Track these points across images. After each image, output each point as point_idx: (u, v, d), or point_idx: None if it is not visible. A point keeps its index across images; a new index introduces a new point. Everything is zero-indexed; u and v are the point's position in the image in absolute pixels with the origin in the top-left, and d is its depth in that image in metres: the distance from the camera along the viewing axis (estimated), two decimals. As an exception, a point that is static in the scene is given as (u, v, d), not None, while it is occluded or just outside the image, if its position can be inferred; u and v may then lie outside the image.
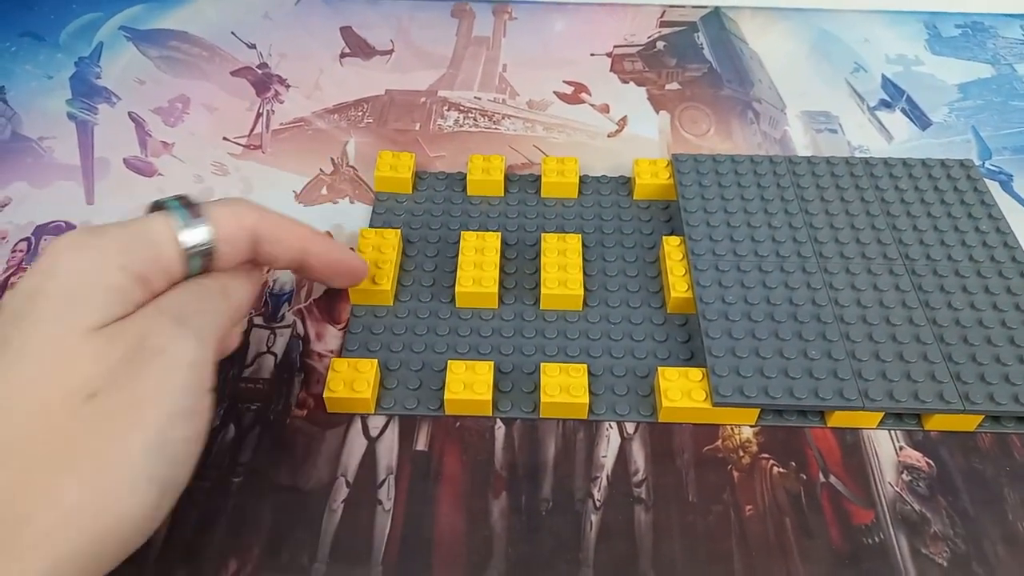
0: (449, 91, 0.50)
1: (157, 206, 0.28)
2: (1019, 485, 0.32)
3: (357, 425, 0.34)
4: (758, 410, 0.33)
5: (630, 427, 0.34)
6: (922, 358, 0.33)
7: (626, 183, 0.43)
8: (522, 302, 0.38)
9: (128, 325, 0.25)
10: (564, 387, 0.33)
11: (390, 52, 0.53)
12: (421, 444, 0.33)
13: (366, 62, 0.52)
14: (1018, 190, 0.45)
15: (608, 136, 0.48)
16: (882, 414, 0.33)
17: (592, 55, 0.53)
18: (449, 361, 0.34)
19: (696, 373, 0.33)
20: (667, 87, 0.51)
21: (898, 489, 0.32)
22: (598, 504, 0.31)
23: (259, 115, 0.48)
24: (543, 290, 0.36)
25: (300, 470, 0.32)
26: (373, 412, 0.34)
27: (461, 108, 0.49)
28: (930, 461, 0.33)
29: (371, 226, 0.41)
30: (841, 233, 0.38)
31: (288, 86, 0.50)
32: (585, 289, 0.38)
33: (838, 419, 0.33)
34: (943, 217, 0.39)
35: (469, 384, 0.33)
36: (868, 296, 0.36)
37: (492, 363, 0.34)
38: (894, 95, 0.51)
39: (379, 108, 0.49)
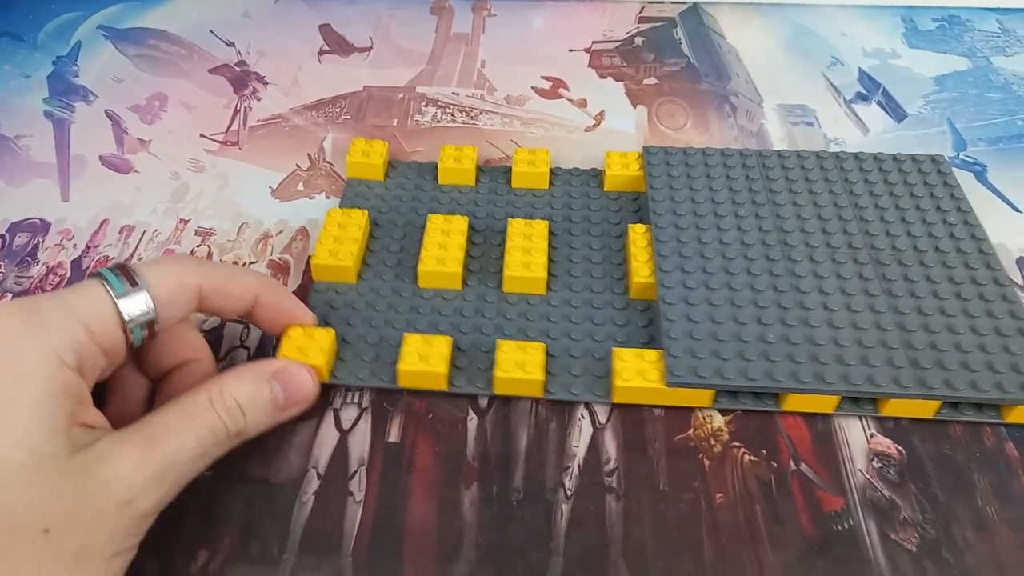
0: (427, 87, 0.50)
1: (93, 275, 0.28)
2: (989, 471, 0.32)
3: (329, 418, 0.34)
4: (712, 392, 0.33)
5: (602, 417, 0.34)
6: (881, 344, 0.33)
7: (597, 175, 0.43)
8: (485, 284, 0.38)
9: (106, 465, 0.25)
10: (519, 364, 0.33)
11: (369, 49, 0.53)
12: (393, 436, 0.33)
13: (345, 59, 0.53)
14: (992, 181, 0.45)
15: (585, 130, 0.48)
16: (838, 398, 0.33)
17: (570, 51, 0.54)
18: (406, 334, 0.34)
19: (652, 354, 0.33)
20: (645, 82, 0.51)
21: (868, 476, 0.32)
22: (569, 494, 0.31)
23: (236, 112, 0.48)
24: (506, 272, 0.37)
25: (271, 463, 0.32)
26: (326, 380, 0.34)
27: (439, 104, 0.49)
28: (900, 448, 0.33)
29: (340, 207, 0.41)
30: (807, 223, 0.38)
31: (266, 83, 0.50)
32: (549, 274, 0.38)
33: (794, 402, 0.33)
34: (911, 209, 0.39)
35: (424, 356, 0.33)
36: (830, 283, 0.36)
37: (450, 338, 0.34)
38: (870, 88, 0.51)
39: (357, 104, 0.49)
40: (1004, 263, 0.40)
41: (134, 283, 0.27)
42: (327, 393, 0.34)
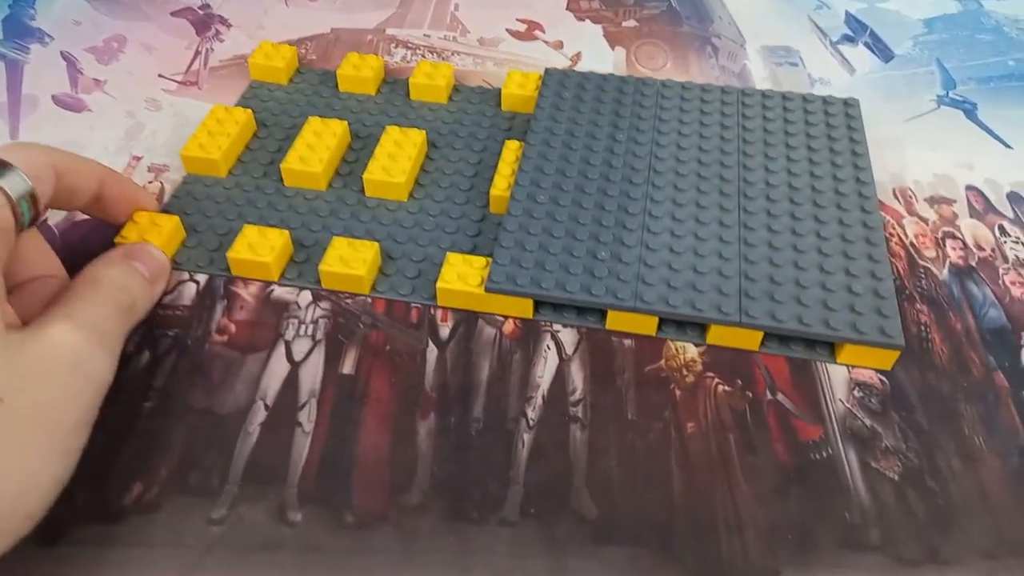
0: (398, 29, 0.49)
1: None
2: (977, 401, 0.31)
3: (280, 350, 0.32)
4: (532, 303, 0.32)
5: (569, 348, 0.32)
6: (716, 272, 0.32)
7: (498, 95, 0.42)
8: (350, 188, 0.37)
9: (43, 335, 0.25)
10: (345, 259, 0.32)
11: (338, -7, 0.51)
12: (348, 368, 0.31)
13: (312, 3, 0.51)
14: (983, 119, 0.43)
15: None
16: (657, 319, 0.31)
17: (548, -5, 0.52)
18: (245, 225, 0.34)
19: (480, 261, 0.33)
20: (624, 24, 0.49)
21: (849, 405, 0.30)
22: (531, 424, 0.30)
23: (198, 53, 0.46)
24: (366, 175, 0.36)
25: (216, 394, 0.30)
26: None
27: (409, 45, 0.47)
28: (883, 378, 0.31)
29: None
30: (684, 153, 0.37)
31: (230, 26, 0.48)
32: (417, 183, 0.37)
33: (616, 321, 0.32)
34: (800, 148, 0.37)
35: (254, 246, 0.33)
36: (684, 212, 0.34)
37: (287, 231, 0.34)
38: (857, 30, 0.49)
39: (323, 46, 0.47)
40: (993, 197, 0.39)
41: (3, 164, 0.27)
42: (279, 324, 0.32)
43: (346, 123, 0.39)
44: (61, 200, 0.31)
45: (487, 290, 0.32)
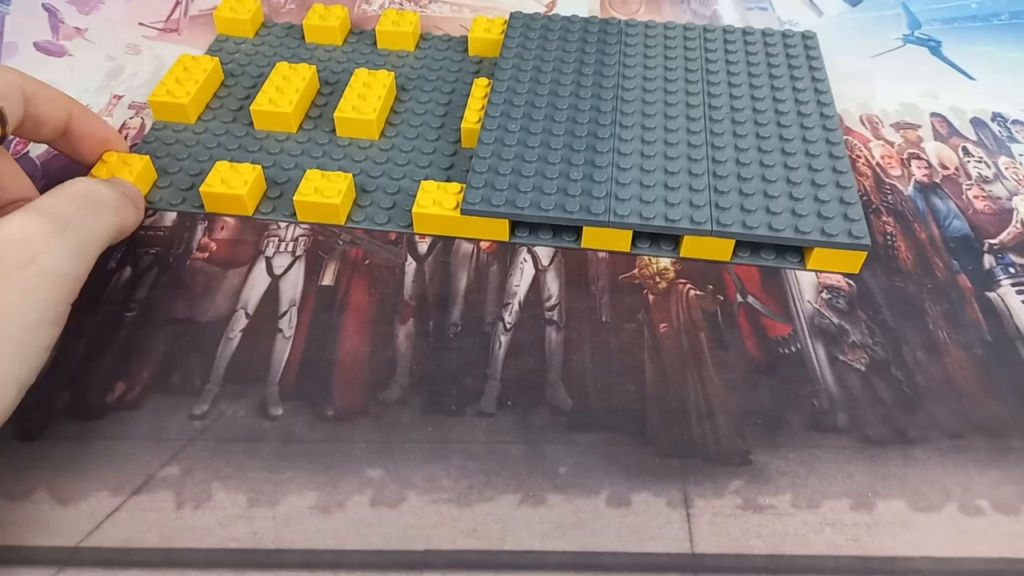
0: (376, -19, 0.49)
1: None
2: (941, 299, 0.31)
3: (260, 264, 0.32)
4: (508, 224, 0.33)
5: (544, 259, 0.33)
6: (687, 187, 0.33)
7: (466, 42, 0.43)
8: (321, 129, 0.37)
9: (3, 225, 0.24)
10: (319, 189, 0.33)
11: (317, -51, 0.52)
12: (327, 280, 0.32)
13: (292, -42, 0.51)
14: (947, 54, 0.44)
15: (537, 17, 0.47)
16: (631, 233, 0.32)
17: (523, -50, 0.53)
18: (216, 162, 0.34)
19: (455, 187, 0.33)
20: (598, -25, 0.50)
21: (817, 306, 0.31)
22: (508, 326, 0.30)
23: (178, 3, 0.47)
24: (337, 113, 0.36)
25: (198, 304, 0.31)
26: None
27: (387, -5, 0.48)
28: (850, 282, 0.32)
29: None
30: (650, 84, 0.38)
31: (210, -22, 0.49)
32: (388, 123, 0.38)
33: (592, 238, 0.32)
34: (762, 76, 0.38)
35: (227, 180, 0.33)
36: (653, 134, 0.35)
37: (259, 166, 0.34)
38: (826, -23, 0.50)
39: (302, -4, 0.48)
40: (957, 123, 0.40)
41: None
42: (259, 241, 0.33)
43: (314, 68, 0.39)
44: (28, 128, 0.30)
45: (463, 212, 0.32)
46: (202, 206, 0.34)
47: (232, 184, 0.33)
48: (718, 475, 0.26)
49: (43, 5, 0.46)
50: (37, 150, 0.37)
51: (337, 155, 0.36)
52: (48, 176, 0.36)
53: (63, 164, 0.36)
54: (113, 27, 0.45)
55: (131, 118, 0.39)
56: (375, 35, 0.43)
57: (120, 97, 0.40)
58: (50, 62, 0.42)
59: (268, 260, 0.32)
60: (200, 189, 0.33)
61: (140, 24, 0.45)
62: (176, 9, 0.46)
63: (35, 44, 0.44)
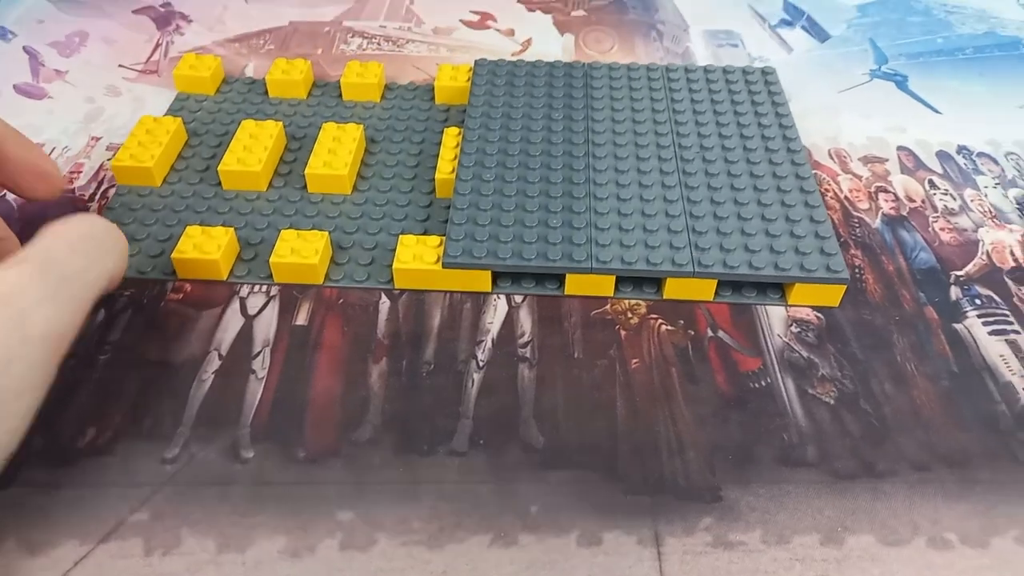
0: (355, 21, 0.50)
1: None
2: (909, 331, 0.32)
3: (235, 305, 0.32)
4: (490, 275, 0.32)
5: (518, 296, 0.33)
6: (666, 228, 0.33)
7: (432, 90, 0.43)
8: (292, 186, 0.37)
9: None
10: (296, 250, 0.32)
11: (297, -10, 0.53)
12: (302, 319, 0.32)
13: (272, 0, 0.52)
14: (914, 89, 0.45)
15: (512, 55, 0.48)
16: (613, 279, 0.32)
17: (500, -11, 0.54)
18: (187, 226, 0.33)
19: (434, 240, 0.33)
20: (572, 14, 0.51)
21: (787, 340, 0.31)
22: (481, 364, 0.30)
23: (158, 45, 0.47)
24: (308, 170, 0.36)
25: (171, 346, 0.31)
26: None
27: (366, 35, 0.49)
28: (819, 315, 0.32)
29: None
30: (619, 126, 0.38)
31: (190, 20, 0.50)
32: (360, 176, 0.38)
33: (575, 285, 0.32)
34: (727, 113, 0.39)
35: (200, 245, 0.32)
36: (627, 177, 0.35)
37: (231, 228, 0.33)
38: (794, 15, 0.52)
39: (282, 37, 0.49)
40: (923, 156, 0.41)
41: None
42: (234, 283, 0.33)
43: (281, 124, 0.38)
44: None
45: (445, 266, 0.32)
46: (174, 272, 0.33)
47: (205, 249, 0.32)
48: (688, 512, 0.26)
49: (24, 48, 0.47)
50: (14, 193, 0.37)
51: (310, 212, 0.36)
52: (25, 219, 0.36)
53: (42, 207, 0.36)
54: (93, 69, 0.46)
55: (109, 159, 0.39)
56: (340, 87, 0.43)
57: (98, 139, 0.40)
58: (30, 105, 0.43)
59: (242, 300, 0.33)
60: (172, 256, 0.32)
61: (120, 66, 0.46)
62: (156, 51, 0.47)
63: (15, 87, 0.44)
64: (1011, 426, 0.29)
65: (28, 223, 0.36)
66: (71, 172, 0.38)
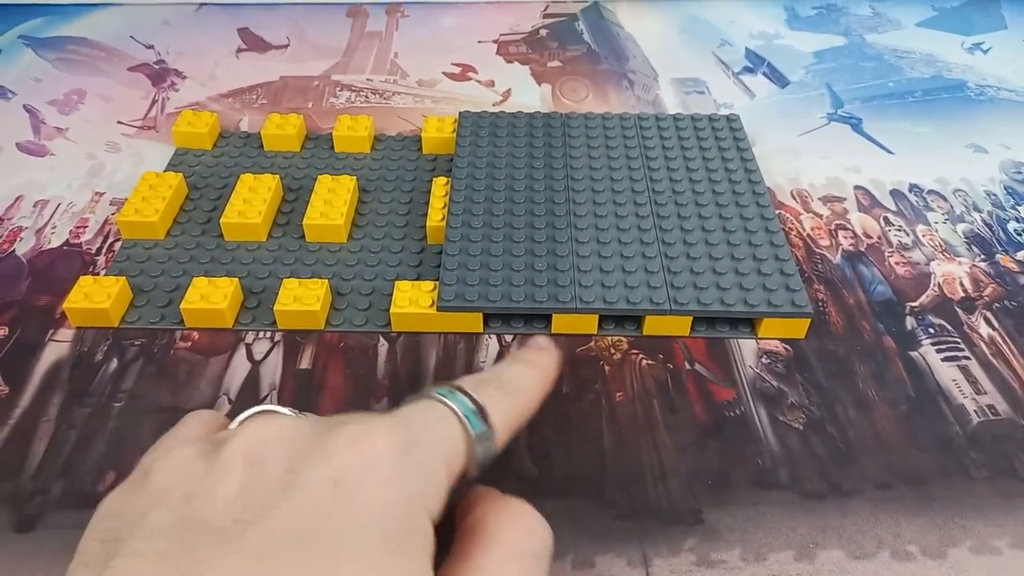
0: (342, 75, 0.53)
1: None
2: (869, 360, 0.35)
3: (241, 351, 0.34)
4: (481, 316, 0.35)
5: (508, 336, 0.35)
6: (643, 269, 0.36)
7: (419, 141, 0.45)
8: (290, 236, 0.39)
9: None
10: (298, 297, 0.34)
11: (285, 46, 0.56)
12: (305, 363, 0.34)
13: (262, 55, 0.55)
14: (868, 130, 0.49)
15: (493, 105, 0.50)
16: (597, 318, 0.35)
17: (479, 42, 0.57)
18: (193, 277, 0.35)
19: (428, 284, 0.35)
20: (549, 65, 0.54)
21: (758, 371, 0.34)
22: (476, 402, 0.32)
23: (154, 101, 0.50)
24: (305, 221, 0.38)
25: (182, 392, 0.33)
26: (116, 326, 0.35)
27: (353, 88, 0.52)
28: (787, 347, 0.35)
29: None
30: (596, 173, 0.41)
31: (184, 77, 0.52)
32: (355, 225, 0.40)
33: (561, 324, 0.35)
34: (696, 159, 0.42)
35: (206, 296, 0.34)
36: (606, 221, 0.38)
37: (236, 279, 0.35)
38: (756, 62, 0.55)
39: (273, 92, 0.51)
40: (878, 195, 0.44)
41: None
42: (240, 330, 0.35)
43: (278, 177, 0.41)
44: None
45: (439, 309, 0.34)
46: (181, 322, 0.35)
47: (212, 299, 0.34)
48: (673, 534, 0.28)
49: (24, 106, 0.49)
50: (23, 248, 0.39)
51: (309, 260, 0.38)
52: (35, 274, 0.37)
53: (50, 260, 0.38)
54: (93, 126, 0.48)
55: (113, 214, 0.41)
56: (332, 139, 0.45)
57: (102, 194, 0.42)
58: (32, 162, 0.45)
59: (248, 347, 0.35)
60: (180, 307, 0.34)
61: (119, 122, 0.48)
62: (153, 108, 0.49)
63: (17, 144, 0.46)
64: (964, 445, 0.31)
65: (38, 277, 0.37)
66: (77, 227, 0.40)
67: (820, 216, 0.42)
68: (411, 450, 0.20)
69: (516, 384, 0.26)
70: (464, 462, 0.22)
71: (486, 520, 0.23)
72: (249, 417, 0.23)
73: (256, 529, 0.18)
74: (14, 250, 0.39)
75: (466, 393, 0.23)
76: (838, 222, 0.42)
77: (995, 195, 0.44)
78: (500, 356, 0.34)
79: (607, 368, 0.34)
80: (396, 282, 0.36)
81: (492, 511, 0.23)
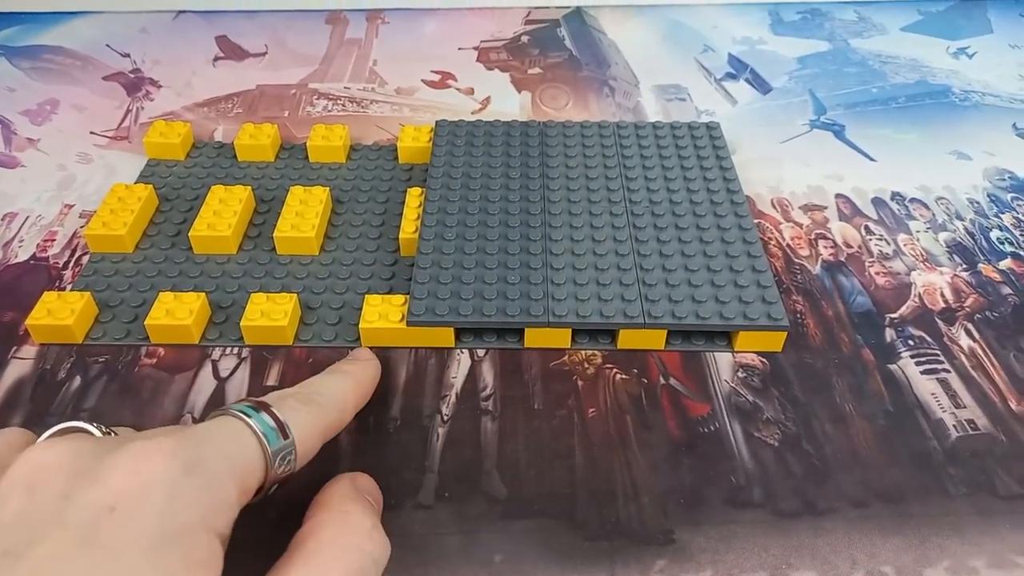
0: (320, 83, 0.52)
1: None
2: (847, 373, 0.34)
3: (207, 368, 0.34)
4: (453, 331, 0.34)
5: (480, 351, 0.35)
6: (618, 282, 0.35)
7: (395, 150, 0.45)
8: (261, 249, 0.39)
9: None
10: (265, 313, 0.34)
11: (263, 54, 0.55)
12: (272, 380, 0.33)
13: (239, 63, 0.54)
14: (851, 138, 0.48)
15: (472, 113, 0.50)
16: (570, 331, 0.34)
17: (459, 49, 0.56)
18: (160, 292, 0.35)
19: (398, 299, 0.35)
20: (529, 72, 0.54)
21: (734, 385, 0.33)
22: (446, 419, 0.32)
23: (128, 111, 0.49)
24: (276, 233, 0.38)
25: (145, 410, 0.32)
26: (80, 342, 0.34)
27: (330, 97, 0.51)
28: (764, 360, 0.34)
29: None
30: (573, 183, 0.40)
31: (160, 86, 0.51)
32: (327, 237, 0.39)
33: (534, 338, 0.34)
34: (674, 168, 0.42)
35: (172, 311, 0.34)
36: (581, 232, 0.37)
37: (203, 294, 0.35)
38: (739, 68, 0.55)
39: (249, 100, 0.50)
40: (860, 203, 0.43)
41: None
42: (206, 346, 0.34)
43: (250, 188, 0.40)
44: None
45: (409, 324, 0.34)
46: (147, 338, 0.34)
47: (177, 315, 0.33)
48: (644, 555, 0.28)
49: (-4, 117, 0.48)
50: (-12, 262, 0.38)
51: (279, 274, 0.37)
52: (1, 287, 0.37)
53: (16, 275, 0.37)
54: (65, 137, 0.47)
55: (82, 227, 0.40)
56: (306, 150, 0.44)
57: (71, 206, 0.42)
58: (4, 174, 0.44)
59: (214, 363, 0.34)
60: (145, 323, 0.33)
61: (91, 133, 0.47)
62: (127, 117, 0.49)
63: (-13, 156, 0.45)
64: (942, 461, 0.31)
65: (2, 292, 0.37)
66: (44, 240, 0.40)
67: (800, 225, 0.42)
68: (196, 469, 0.20)
69: (324, 396, 0.26)
70: (261, 476, 0.23)
71: (318, 531, 0.23)
72: (54, 434, 0.23)
73: (24, 561, 0.18)
74: (-21, 264, 0.38)
75: (267, 408, 0.24)
76: (818, 231, 0.41)
77: (978, 203, 0.43)
78: (471, 371, 0.34)
79: (580, 383, 0.33)
80: (366, 296, 0.35)
81: (327, 522, 0.23)
